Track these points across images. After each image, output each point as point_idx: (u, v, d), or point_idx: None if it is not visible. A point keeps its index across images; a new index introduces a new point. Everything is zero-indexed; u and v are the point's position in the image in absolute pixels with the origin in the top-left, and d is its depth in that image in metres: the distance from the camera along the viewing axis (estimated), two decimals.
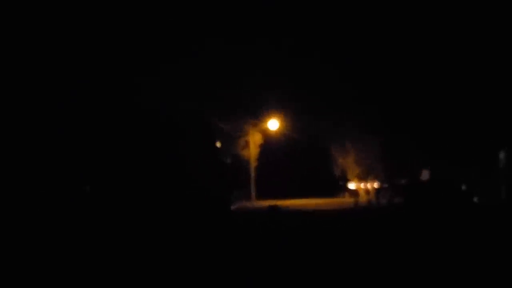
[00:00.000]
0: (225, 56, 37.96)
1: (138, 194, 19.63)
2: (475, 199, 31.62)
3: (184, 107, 26.21)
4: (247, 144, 46.28)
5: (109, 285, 7.90)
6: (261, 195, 45.17)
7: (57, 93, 22.59)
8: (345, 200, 45.05)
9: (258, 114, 45.49)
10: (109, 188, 20.48)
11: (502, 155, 30.97)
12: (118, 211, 18.97)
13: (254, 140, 45.97)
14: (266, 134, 48.19)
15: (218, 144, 27.74)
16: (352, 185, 56.07)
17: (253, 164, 45.18)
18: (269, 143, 49.20)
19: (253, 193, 43.93)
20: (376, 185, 52.75)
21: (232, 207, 26.84)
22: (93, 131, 22.76)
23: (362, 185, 53.95)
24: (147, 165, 20.41)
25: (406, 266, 9.35)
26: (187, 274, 8.87)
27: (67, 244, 10.20)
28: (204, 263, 10.23)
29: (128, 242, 13.08)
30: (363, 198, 42.73)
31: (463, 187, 34.07)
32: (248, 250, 12.22)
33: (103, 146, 21.93)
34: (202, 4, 34.86)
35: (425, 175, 39.63)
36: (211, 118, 32.15)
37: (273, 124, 46.68)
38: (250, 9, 39.35)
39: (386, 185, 52.32)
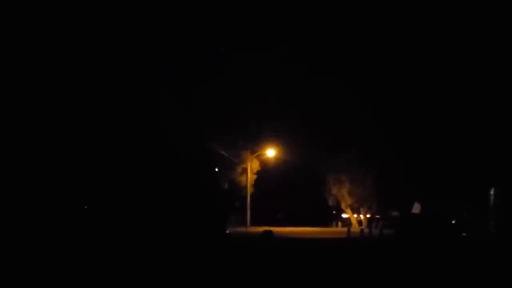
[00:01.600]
0: (224, 83, 38.91)
1: (136, 214, 20.19)
2: (464, 234, 32.28)
3: (185, 131, 26.93)
4: (244, 171, 47.01)
5: None
6: (255, 221, 45.71)
7: (52, 106, 23.02)
8: (338, 230, 45.57)
9: (256, 142, 46.35)
10: (107, 209, 20.97)
11: (492, 191, 31.76)
12: (116, 231, 19.45)
13: (252, 167, 46.73)
14: (263, 161, 49.01)
15: (216, 169, 28.47)
16: (345, 215, 56.68)
17: (249, 190, 45.86)
18: (266, 170, 50.00)
19: (249, 219, 44.49)
20: (368, 216, 53.40)
21: (228, 231, 27.48)
22: (92, 149, 23.23)
23: (355, 216, 54.58)
24: (146, 186, 21.02)
25: None
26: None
27: (64, 260, 10.49)
28: (201, 284, 10.77)
29: (125, 262, 13.62)
30: (355, 228, 43.30)
31: (453, 221, 34.76)
32: (242, 273, 12.84)
33: (103, 166, 22.41)
34: (206, 31, 35.82)
35: (416, 208, 40.39)
36: (210, 143, 32.92)
37: (271, 152, 47.50)
38: (251, 36, 40.37)
39: (378, 216, 52.99)
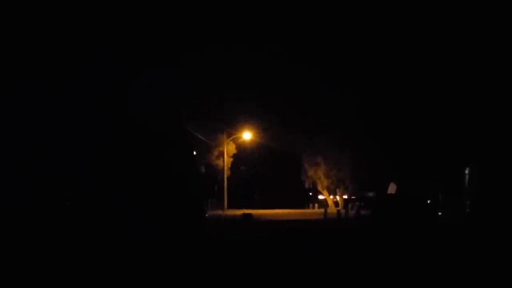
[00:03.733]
0: (200, 66, 38.53)
1: (116, 198, 19.79)
2: (440, 213, 32.77)
3: (161, 114, 26.52)
4: (220, 154, 46.86)
5: None
6: (232, 205, 45.69)
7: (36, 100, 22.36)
8: (315, 211, 45.84)
9: (232, 125, 46.17)
10: (88, 196, 20.31)
11: (467, 171, 32.22)
12: (97, 219, 19.05)
13: (228, 150, 46.59)
14: (239, 145, 48.91)
15: (194, 153, 28.18)
16: (321, 197, 57.13)
17: (226, 174, 45.75)
18: (242, 153, 49.95)
19: (226, 202, 44.43)
20: (345, 197, 53.93)
21: (207, 215, 27.34)
22: (70, 137, 22.60)
23: (331, 197, 55.06)
24: (125, 171, 20.55)
25: (370, 276, 10.00)
26: (168, 279, 9.21)
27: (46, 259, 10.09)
28: (184, 269, 10.66)
29: (105, 247, 13.39)
30: (332, 210, 43.63)
31: (429, 201, 35.25)
32: (226, 256, 12.77)
33: (81, 152, 21.74)
34: (184, 14, 35.33)
35: (392, 188, 40.78)
36: (186, 125, 32.59)
37: (247, 135, 47.37)
38: (230, 21, 40.02)
39: (354, 197, 53.55)
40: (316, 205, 54.60)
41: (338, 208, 42.46)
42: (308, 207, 53.92)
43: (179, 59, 35.63)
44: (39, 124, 22.01)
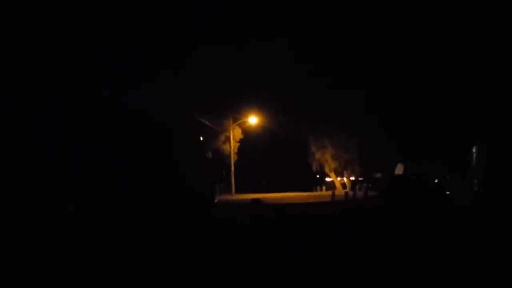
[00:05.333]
0: (208, 54, 38.57)
1: (124, 187, 19.77)
2: (448, 192, 32.82)
3: (167, 103, 26.59)
4: (227, 139, 46.95)
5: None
6: (239, 189, 45.87)
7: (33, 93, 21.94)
8: (323, 194, 45.93)
9: (239, 110, 46.17)
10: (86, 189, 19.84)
11: (474, 150, 32.14)
12: (103, 208, 18.94)
13: (234, 135, 46.64)
14: (246, 129, 48.94)
15: (201, 139, 28.24)
16: (329, 179, 57.21)
17: (233, 158, 45.85)
18: (248, 138, 49.99)
19: (233, 187, 44.61)
20: (352, 178, 54.00)
21: (216, 201, 27.51)
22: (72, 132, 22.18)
23: (339, 179, 55.15)
24: (132, 160, 20.56)
25: (381, 257, 10.07)
26: (175, 267, 9.21)
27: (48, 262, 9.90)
28: (193, 256, 10.72)
29: (112, 238, 13.45)
30: (340, 192, 43.71)
31: (436, 181, 35.30)
32: (236, 243, 12.86)
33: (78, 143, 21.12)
34: (185, 4, 35.37)
35: (399, 169, 40.81)
36: (193, 112, 32.67)
37: (253, 120, 47.39)
38: (233, 10, 40.02)
39: (362, 179, 53.64)
40: (324, 187, 54.70)
41: (345, 190, 42.48)
42: (316, 190, 54.03)
43: (185, 50, 35.75)
44: (38, 114, 21.76)
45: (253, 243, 12.30)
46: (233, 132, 46.01)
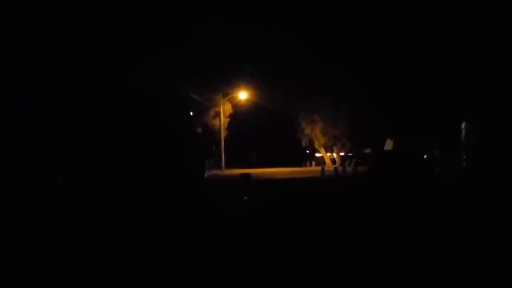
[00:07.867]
0: (199, 30, 38.21)
1: (114, 164, 19.71)
2: (436, 168, 33.04)
3: (156, 77, 26.35)
4: (217, 114, 46.79)
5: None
6: (229, 164, 45.90)
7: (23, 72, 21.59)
8: (312, 169, 46.11)
9: (229, 85, 45.93)
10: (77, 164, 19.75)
11: (463, 126, 32.34)
12: (92, 180, 18.88)
13: (224, 110, 46.46)
14: (236, 104, 48.78)
15: (191, 114, 28.10)
16: (318, 155, 57.41)
17: (223, 134, 45.76)
18: (239, 113, 49.88)
19: (223, 162, 44.62)
20: (342, 154, 54.20)
21: (206, 176, 27.51)
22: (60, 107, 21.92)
23: (328, 155, 55.33)
24: (124, 133, 20.47)
25: (372, 233, 10.11)
26: (170, 246, 9.13)
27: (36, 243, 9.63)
28: (187, 232, 10.70)
29: (103, 218, 13.38)
30: (329, 167, 43.89)
31: (425, 156, 35.46)
32: (228, 217, 12.88)
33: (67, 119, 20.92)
34: None
35: (388, 144, 40.95)
36: (183, 87, 32.48)
37: (243, 95, 47.19)
38: None
39: (351, 154, 53.85)
40: (314, 162, 54.92)
41: (335, 166, 42.64)
42: (306, 165, 54.24)
43: (177, 26, 35.33)
44: (33, 85, 21.47)
45: (243, 221, 12.31)
46: (223, 107, 45.80)
